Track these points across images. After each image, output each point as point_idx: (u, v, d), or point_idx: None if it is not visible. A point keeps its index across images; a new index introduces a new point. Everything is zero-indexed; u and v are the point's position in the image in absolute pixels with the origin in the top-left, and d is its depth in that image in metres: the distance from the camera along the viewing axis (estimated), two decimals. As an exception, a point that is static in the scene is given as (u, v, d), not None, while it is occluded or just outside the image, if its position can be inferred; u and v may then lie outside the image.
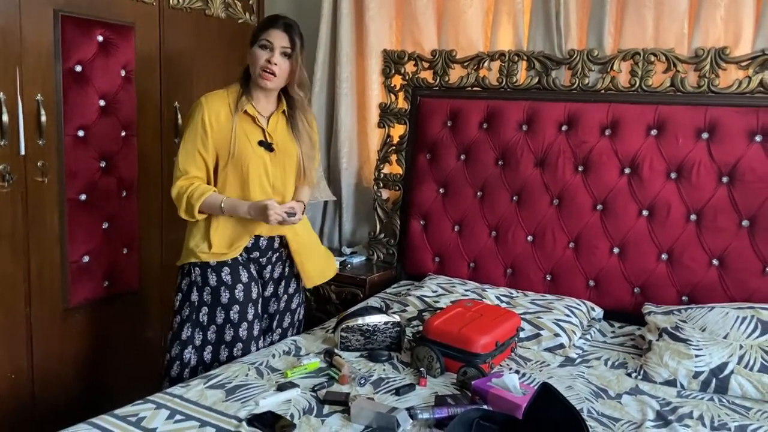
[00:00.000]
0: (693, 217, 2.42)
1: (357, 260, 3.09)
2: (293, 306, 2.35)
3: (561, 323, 2.27)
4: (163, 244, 2.81)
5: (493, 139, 2.75)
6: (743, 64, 2.39)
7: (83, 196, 2.44)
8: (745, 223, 2.35)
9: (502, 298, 2.48)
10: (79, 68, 2.36)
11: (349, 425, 1.64)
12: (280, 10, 2.88)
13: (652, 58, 2.52)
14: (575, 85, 2.66)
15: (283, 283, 2.30)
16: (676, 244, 2.44)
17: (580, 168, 2.60)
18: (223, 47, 2.96)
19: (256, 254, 2.20)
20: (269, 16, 2.19)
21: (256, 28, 2.16)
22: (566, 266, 2.61)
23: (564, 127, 2.63)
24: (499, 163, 2.75)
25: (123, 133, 2.56)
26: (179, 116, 2.76)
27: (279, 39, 2.07)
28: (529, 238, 2.69)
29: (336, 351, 2.09)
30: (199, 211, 2.07)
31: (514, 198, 2.72)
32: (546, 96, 2.71)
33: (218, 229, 2.11)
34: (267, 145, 2.14)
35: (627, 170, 2.52)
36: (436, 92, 2.95)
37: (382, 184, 3.10)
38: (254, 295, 2.18)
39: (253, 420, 1.62)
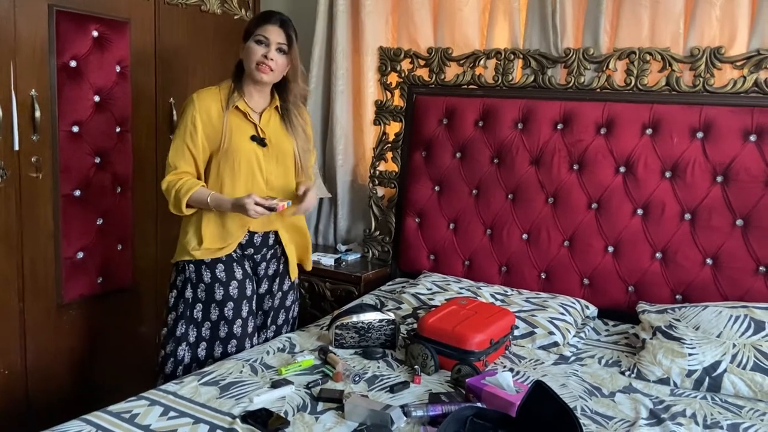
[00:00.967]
0: (687, 216, 2.43)
1: (352, 257, 3.09)
2: (288, 303, 2.35)
3: (555, 321, 2.27)
4: (157, 241, 2.80)
5: (488, 137, 2.75)
6: (738, 63, 2.40)
7: (77, 192, 2.43)
8: (739, 222, 2.35)
9: (497, 296, 2.48)
10: (73, 63, 2.35)
11: (343, 422, 1.64)
12: (277, 7, 2.89)
13: (648, 57, 2.52)
14: (571, 84, 2.66)
15: (277, 280, 2.30)
16: (671, 243, 2.44)
17: (575, 167, 2.60)
18: (219, 43, 2.95)
19: (251, 251, 2.20)
20: (263, 11, 2.19)
21: (250, 23, 2.15)
22: (561, 264, 2.62)
23: (559, 126, 2.63)
24: (495, 161, 2.75)
25: (118, 129, 2.55)
26: (174, 112, 2.75)
27: (275, 35, 2.08)
28: (524, 236, 2.69)
29: (330, 348, 2.09)
30: (188, 206, 2.07)
31: (509, 196, 2.72)
32: (541, 94, 2.71)
33: (209, 224, 2.11)
34: (259, 140, 2.13)
35: (622, 169, 2.52)
36: (431, 90, 2.95)
37: (377, 182, 3.10)
38: (249, 292, 2.18)
39: (247, 417, 1.62)
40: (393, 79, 3.05)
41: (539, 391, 1.52)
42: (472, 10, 2.87)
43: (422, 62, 2.97)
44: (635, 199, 2.49)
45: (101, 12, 2.44)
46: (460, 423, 1.54)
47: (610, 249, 2.55)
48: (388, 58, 3.03)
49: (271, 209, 2.00)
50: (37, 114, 2.26)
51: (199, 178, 2.12)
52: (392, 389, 1.83)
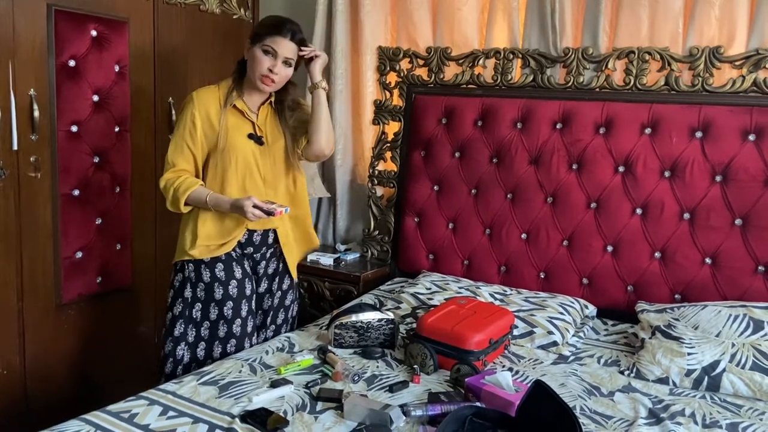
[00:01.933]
0: (686, 215, 2.43)
1: (351, 257, 3.09)
2: (287, 302, 2.35)
3: (554, 321, 2.27)
4: (156, 240, 2.80)
5: (487, 136, 2.75)
6: (737, 63, 2.40)
7: (76, 192, 2.43)
8: (737, 221, 2.36)
9: (496, 296, 2.48)
10: (72, 63, 2.35)
11: (342, 422, 1.64)
12: (276, 6, 2.87)
13: (647, 57, 2.52)
14: (570, 84, 2.66)
15: (277, 279, 2.30)
16: (670, 242, 2.44)
17: (575, 166, 2.60)
18: (218, 43, 2.95)
19: (250, 249, 2.20)
20: (275, 18, 2.11)
21: (260, 27, 2.11)
22: (560, 264, 2.62)
23: (558, 125, 2.63)
24: (494, 160, 2.75)
25: (117, 129, 2.55)
26: (173, 112, 2.75)
27: (284, 48, 2.05)
28: (523, 235, 2.69)
29: (329, 348, 2.09)
30: (186, 203, 2.07)
31: (509, 196, 2.72)
32: (541, 94, 2.71)
33: (206, 223, 2.11)
34: (257, 138, 2.14)
35: (621, 169, 2.53)
36: (431, 89, 2.95)
37: (376, 181, 3.10)
38: (248, 292, 2.18)
39: (246, 416, 1.62)
40: (392, 78, 3.05)
41: (538, 391, 1.52)
42: (471, 9, 2.87)
43: (421, 62, 2.97)
44: (634, 198, 2.50)
45: (100, 11, 2.43)
46: (459, 422, 1.54)
47: (609, 248, 2.55)
48: (387, 58, 3.03)
49: (269, 213, 2.01)
50: (36, 114, 2.25)
51: (197, 176, 2.13)
52: (391, 389, 1.83)
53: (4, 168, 2.20)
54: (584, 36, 2.65)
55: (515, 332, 2.25)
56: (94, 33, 2.41)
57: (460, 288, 2.56)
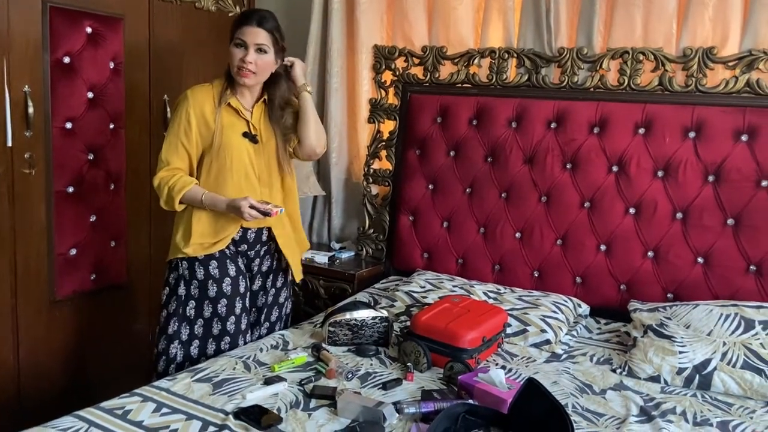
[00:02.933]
0: (679, 215, 2.44)
1: (346, 255, 3.09)
2: (281, 300, 2.35)
3: (548, 319, 2.28)
4: (151, 238, 2.80)
5: (482, 135, 2.75)
6: (730, 64, 2.41)
7: (71, 189, 2.43)
8: (730, 221, 2.37)
9: (490, 294, 2.49)
10: (67, 60, 2.35)
11: (335, 419, 1.64)
12: (271, 4, 2.87)
13: (641, 57, 2.53)
14: (564, 83, 2.67)
15: (271, 277, 2.30)
16: (662, 241, 2.46)
17: (569, 165, 2.61)
18: (213, 40, 2.94)
19: (244, 247, 2.20)
20: (243, 11, 2.13)
21: (232, 25, 2.10)
22: (554, 263, 2.63)
23: (553, 125, 2.64)
24: (488, 159, 2.76)
25: (111, 126, 2.54)
26: (168, 109, 2.75)
27: (251, 36, 2.03)
28: (517, 234, 2.70)
29: (323, 345, 2.09)
30: (181, 202, 2.07)
31: (503, 195, 2.73)
32: (535, 93, 2.72)
33: (200, 221, 2.10)
34: (251, 137, 2.14)
35: (615, 168, 2.54)
36: (426, 88, 2.96)
37: (371, 180, 3.10)
38: (242, 289, 2.18)
39: (239, 413, 1.62)
40: (387, 77, 3.06)
41: (531, 389, 1.53)
42: (466, 8, 2.88)
43: (417, 61, 2.98)
44: (627, 198, 2.51)
45: (95, 8, 2.43)
46: (452, 420, 1.55)
47: (603, 248, 2.56)
48: (383, 57, 3.04)
49: (265, 214, 2.01)
50: (31, 110, 2.25)
51: (191, 174, 2.12)
52: (385, 386, 1.84)
53: (-2, 164, 2.20)
54: (579, 36, 2.66)
55: (508, 330, 2.25)
56: (89, 30, 2.41)
57: (454, 286, 2.56)
